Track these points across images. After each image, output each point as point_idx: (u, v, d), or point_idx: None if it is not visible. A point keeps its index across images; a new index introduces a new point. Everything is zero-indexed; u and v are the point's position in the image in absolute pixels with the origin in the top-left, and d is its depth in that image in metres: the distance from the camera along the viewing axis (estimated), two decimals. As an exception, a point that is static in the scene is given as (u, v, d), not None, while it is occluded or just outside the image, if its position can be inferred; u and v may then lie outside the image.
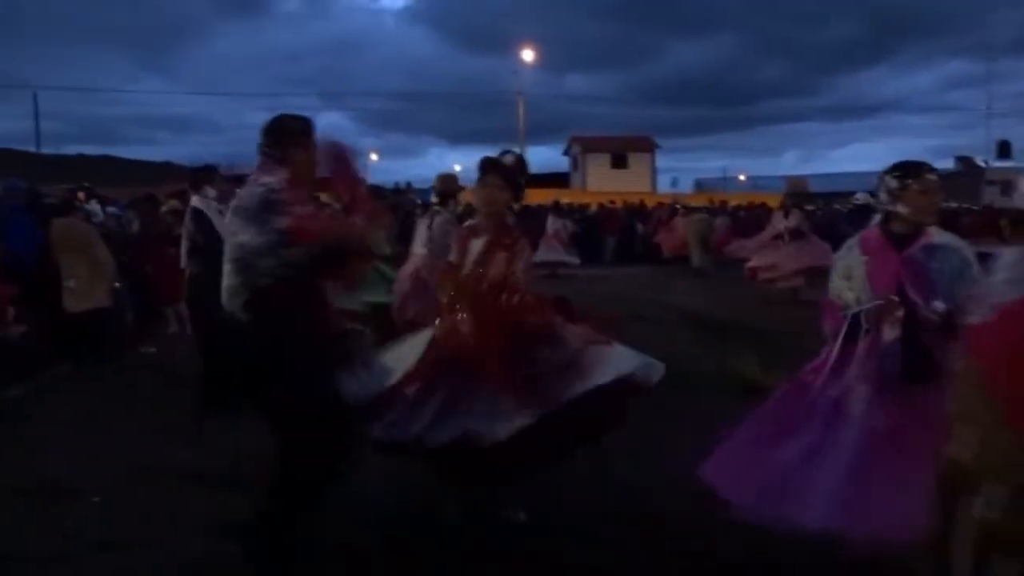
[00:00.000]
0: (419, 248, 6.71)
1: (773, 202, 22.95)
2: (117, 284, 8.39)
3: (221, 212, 5.98)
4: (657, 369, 3.89)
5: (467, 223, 4.38)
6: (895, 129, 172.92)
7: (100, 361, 7.81)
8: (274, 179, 3.30)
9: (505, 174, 4.09)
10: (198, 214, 6.43)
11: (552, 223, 17.77)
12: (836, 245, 10.89)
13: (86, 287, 7.68)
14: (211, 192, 6.44)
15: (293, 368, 3.28)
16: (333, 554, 3.71)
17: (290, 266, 3.26)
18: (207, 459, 5.02)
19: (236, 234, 3.32)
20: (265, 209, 3.22)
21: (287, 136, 3.46)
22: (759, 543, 3.51)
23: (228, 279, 3.34)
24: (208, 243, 5.99)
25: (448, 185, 7.06)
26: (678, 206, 22.81)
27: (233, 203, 3.45)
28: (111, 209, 11.66)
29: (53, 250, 7.63)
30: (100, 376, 7.53)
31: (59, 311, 7.58)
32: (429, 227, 6.65)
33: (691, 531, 3.94)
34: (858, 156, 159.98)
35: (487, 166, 4.10)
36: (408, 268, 6.68)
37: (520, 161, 4.22)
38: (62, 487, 4.60)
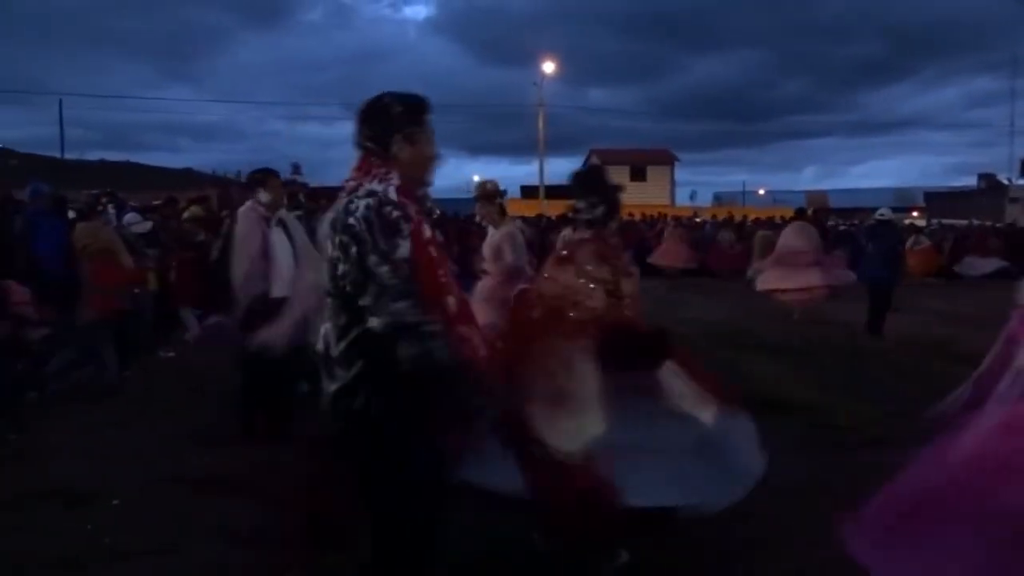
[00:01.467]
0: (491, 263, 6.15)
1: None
2: (137, 289, 8.46)
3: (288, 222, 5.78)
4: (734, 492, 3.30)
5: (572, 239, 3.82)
6: (916, 146, 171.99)
7: (120, 365, 7.86)
8: (384, 186, 2.56)
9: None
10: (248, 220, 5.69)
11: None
12: (856, 261, 10.80)
13: (114, 291, 7.74)
14: (264, 197, 5.66)
15: (419, 448, 2.57)
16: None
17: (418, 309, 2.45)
18: (225, 465, 5.02)
19: (341, 261, 2.53)
20: (386, 230, 2.46)
21: (393, 124, 2.63)
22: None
23: (333, 319, 2.59)
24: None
25: (485, 191, 6.38)
26: (670, 220, 22.79)
27: (331, 216, 2.63)
28: (129, 215, 11.76)
29: (76, 254, 7.70)
30: (120, 380, 7.58)
31: (81, 315, 7.65)
32: (513, 238, 6.12)
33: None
34: (878, 172, 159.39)
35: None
36: (487, 283, 6.09)
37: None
38: (81, 491, 4.61)
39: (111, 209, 11.84)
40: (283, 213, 5.79)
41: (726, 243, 19.92)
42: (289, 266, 5.49)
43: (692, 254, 19.46)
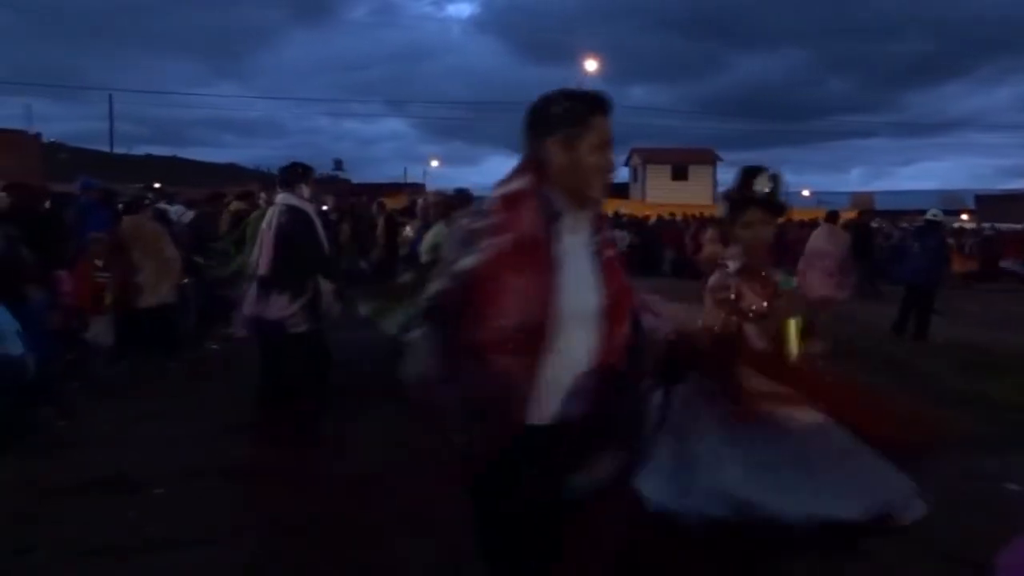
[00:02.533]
0: None
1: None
2: (185, 280, 8.59)
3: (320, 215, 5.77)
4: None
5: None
6: (967, 147, 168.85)
7: (165, 357, 7.97)
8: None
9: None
10: (297, 212, 5.43)
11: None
12: (904, 263, 10.49)
13: (153, 283, 7.86)
14: (306, 192, 5.61)
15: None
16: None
17: None
18: (266, 457, 5.05)
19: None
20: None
21: (550, 125, 2.26)
22: None
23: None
24: (308, 248, 5.42)
25: None
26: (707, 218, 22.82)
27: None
28: (176, 208, 11.95)
29: (123, 246, 7.83)
30: (164, 372, 7.68)
31: (127, 306, 7.77)
32: None
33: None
34: (926, 174, 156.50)
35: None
36: None
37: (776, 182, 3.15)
38: (125, 480, 4.68)
39: (164, 204, 12.06)
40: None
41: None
42: None
43: None
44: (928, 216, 11.85)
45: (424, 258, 6.87)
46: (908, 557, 3.71)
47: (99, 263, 7.46)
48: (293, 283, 5.34)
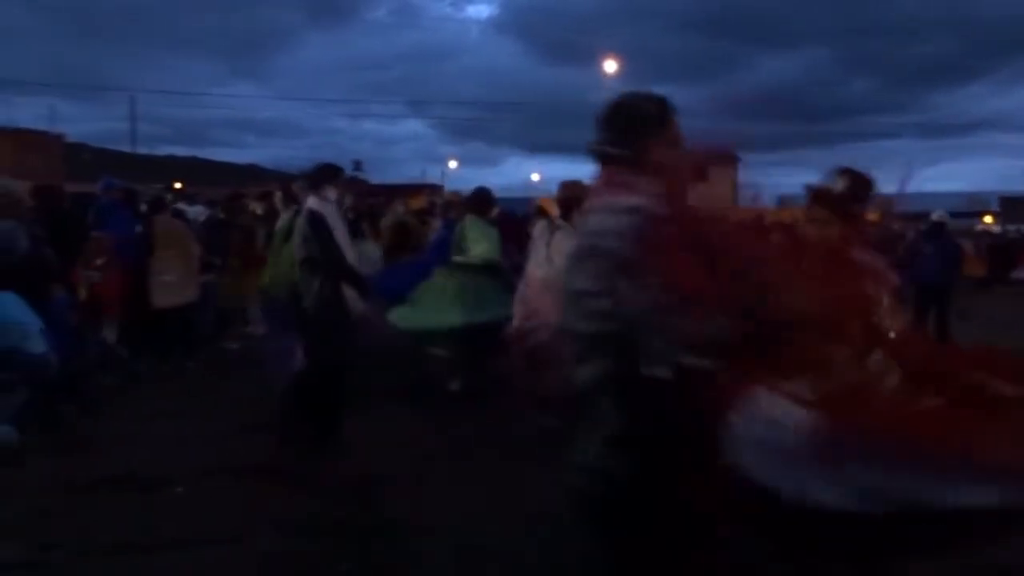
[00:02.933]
0: (538, 268, 5.76)
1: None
2: (205, 278, 8.64)
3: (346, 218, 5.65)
4: None
5: None
6: (991, 148, 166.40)
7: (185, 356, 8.03)
8: (641, 199, 2.07)
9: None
10: (316, 219, 5.25)
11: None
12: (916, 265, 10.36)
13: (181, 282, 7.93)
14: (332, 194, 5.42)
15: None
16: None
17: (701, 350, 1.96)
18: (285, 457, 5.07)
19: (595, 293, 2.02)
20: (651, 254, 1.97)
21: (648, 125, 2.19)
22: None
23: (587, 363, 2.06)
24: (324, 254, 5.21)
25: (573, 192, 5.71)
26: None
27: (585, 237, 2.14)
28: (196, 208, 12.04)
29: (154, 246, 7.90)
30: (184, 371, 7.74)
31: (148, 306, 7.84)
32: (548, 244, 5.72)
33: None
34: (950, 175, 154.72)
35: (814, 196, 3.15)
36: (531, 291, 5.73)
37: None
38: (144, 479, 4.71)
39: (182, 204, 12.15)
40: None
41: None
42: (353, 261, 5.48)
43: None
44: (934, 218, 11.82)
45: (456, 257, 6.82)
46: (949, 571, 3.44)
47: (99, 262, 7.46)
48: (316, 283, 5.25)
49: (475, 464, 5.00)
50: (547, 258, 5.62)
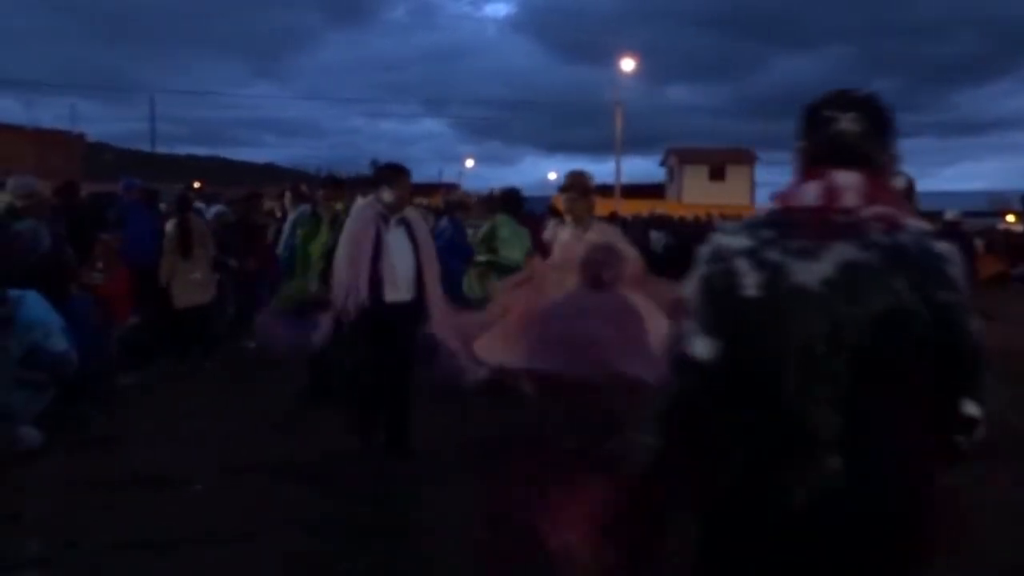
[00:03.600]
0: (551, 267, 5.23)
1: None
2: (219, 277, 8.69)
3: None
4: None
5: None
6: (1014, 147, 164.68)
7: (204, 355, 8.09)
8: (913, 219, 1.71)
9: None
10: (352, 219, 5.16)
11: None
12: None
13: (205, 281, 8.00)
14: (389, 196, 5.06)
15: None
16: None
17: None
18: (302, 455, 5.12)
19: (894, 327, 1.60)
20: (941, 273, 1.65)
21: (893, 129, 1.83)
22: None
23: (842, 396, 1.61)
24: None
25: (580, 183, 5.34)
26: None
27: (836, 263, 1.63)
28: (216, 207, 12.12)
29: (191, 244, 7.97)
30: (203, 369, 7.79)
31: (170, 304, 7.91)
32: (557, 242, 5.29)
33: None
34: (971, 174, 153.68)
35: None
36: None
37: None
38: (163, 477, 4.75)
39: (200, 203, 12.22)
40: (409, 212, 5.33)
41: None
42: (409, 267, 5.09)
43: None
44: (947, 218, 11.97)
45: (482, 256, 6.71)
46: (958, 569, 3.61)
47: (99, 265, 7.50)
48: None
49: (491, 464, 5.00)
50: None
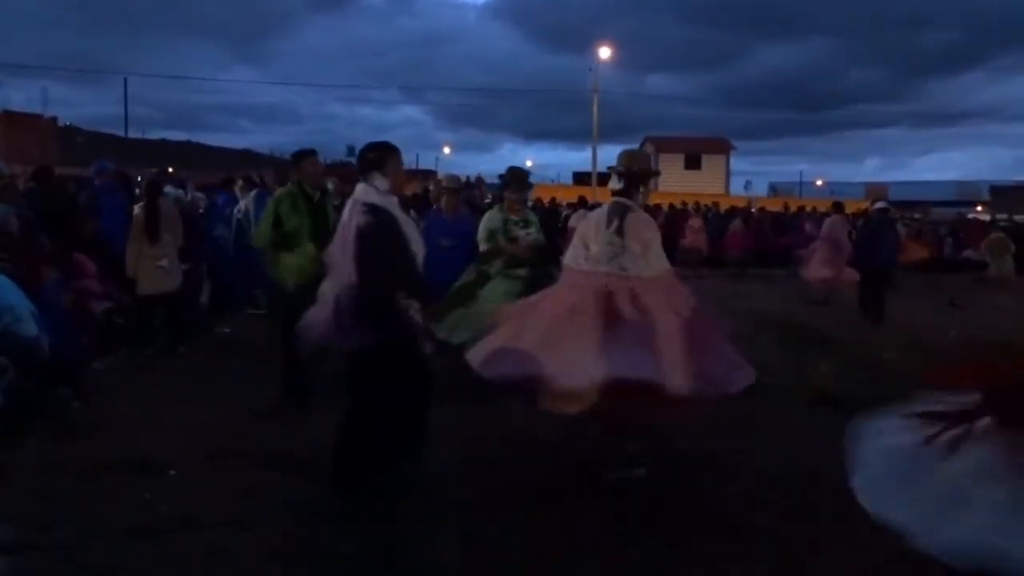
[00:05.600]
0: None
1: (850, 208, 22.71)
2: (187, 267, 8.58)
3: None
4: None
5: None
6: (984, 138, 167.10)
7: (178, 341, 8.02)
8: None
9: None
10: (379, 212, 4.15)
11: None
12: (859, 250, 10.94)
13: (174, 268, 7.90)
14: (383, 184, 4.26)
15: None
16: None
17: None
18: (283, 440, 5.09)
19: None
20: None
21: None
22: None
23: None
24: (394, 255, 4.16)
25: (640, 164, 4.87)
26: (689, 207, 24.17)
27: None
28: (194, 193, 12.02)
29: (159, 230, 7.86)
30: (177, 355, 7.72)
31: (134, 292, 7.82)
32: (617, 225, 4.62)
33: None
34: (943, 165, 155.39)
35: None
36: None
37: None
38: (145, 463, 4.69)
39: (170, 188, 12.11)
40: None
41: (739, 231, 20.25)
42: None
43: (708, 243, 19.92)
44: (878, 205, 13.11)
45: (483, 248, 6.47)
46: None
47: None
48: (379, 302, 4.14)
49: (484, 452, 5.04)
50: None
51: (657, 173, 5.55)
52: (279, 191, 6.42)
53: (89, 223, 7.99)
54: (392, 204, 4.24)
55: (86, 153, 24.74)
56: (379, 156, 4.30)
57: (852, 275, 12.11)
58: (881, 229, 11.90)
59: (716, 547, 3.83)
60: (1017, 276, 18.24)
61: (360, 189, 4.26)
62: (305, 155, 6.36)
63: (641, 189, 4.82)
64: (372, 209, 4.13)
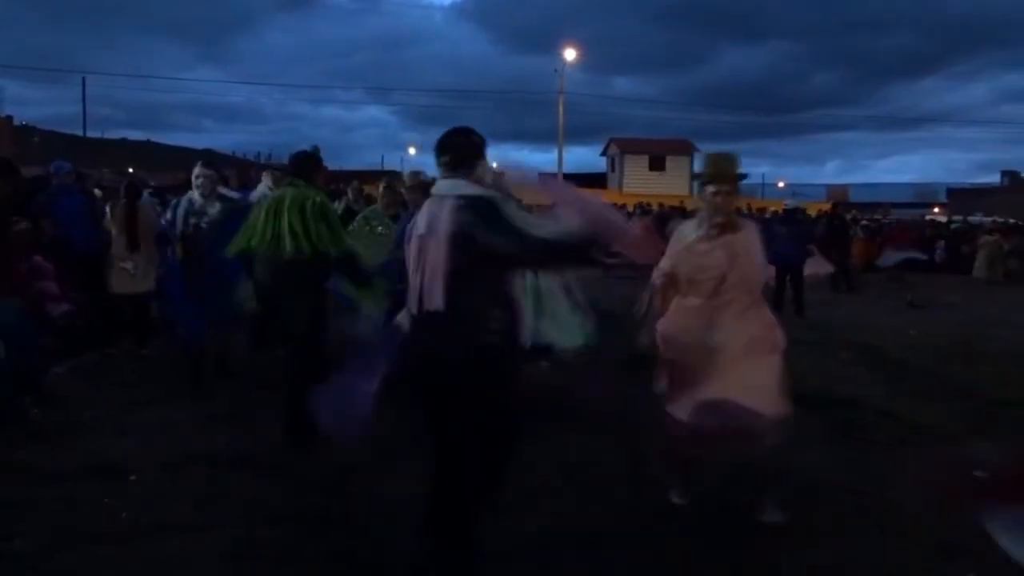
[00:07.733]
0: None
1: (811, 209, 23.07)
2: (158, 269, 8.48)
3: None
4: None
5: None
6: (942, 141, 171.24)
7: (139, 344, 7.91)
8: None
9: None
10: (487, 212, 3.12)
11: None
12: (771, 247, 11.18)
13: (143, 270, 7.78)
14: (487, 176, 3.37)
15: None
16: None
17: None
18: (249, 444, 5.06)
19: None
20: None
21: None
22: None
23: None
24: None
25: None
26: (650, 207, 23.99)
27: None
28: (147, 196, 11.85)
29: (138, 234, 7.74)
30: (141, 359, 7.63)
31: (107, 292, 7.72)
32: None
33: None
34: (902, 167, 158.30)
35: None
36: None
37: None
38: (109, 467, 4.64)
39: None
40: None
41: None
42: None
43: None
44: (787, 205, 13.83)
45: None
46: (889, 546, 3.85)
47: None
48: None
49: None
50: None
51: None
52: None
53: (46, 223, 7.84)
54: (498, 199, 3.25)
55: (43, 153, 24.28)
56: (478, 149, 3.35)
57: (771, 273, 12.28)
58: (784, 227, 12.33)
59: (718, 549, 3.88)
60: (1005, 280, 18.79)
61: (450, 184, 3.27)
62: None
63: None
64: (476, 205, 3.15)
